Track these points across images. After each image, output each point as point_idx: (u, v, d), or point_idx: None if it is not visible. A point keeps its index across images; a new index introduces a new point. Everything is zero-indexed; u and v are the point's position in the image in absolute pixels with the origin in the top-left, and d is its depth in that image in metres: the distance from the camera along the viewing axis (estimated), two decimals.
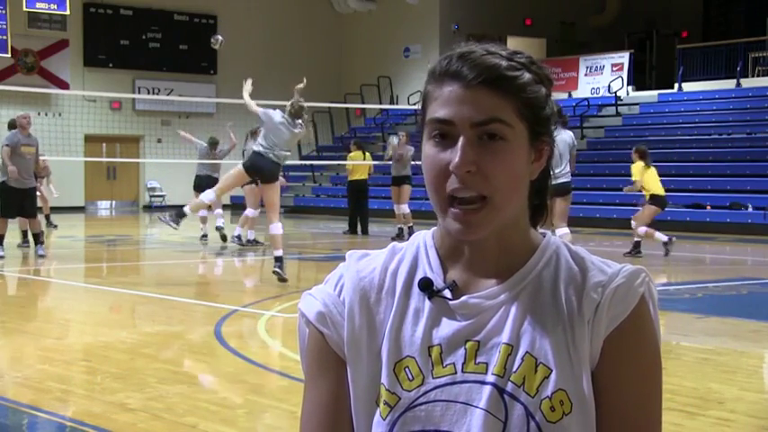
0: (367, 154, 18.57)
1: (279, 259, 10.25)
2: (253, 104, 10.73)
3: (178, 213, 10.31)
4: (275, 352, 6.90)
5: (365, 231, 18.07)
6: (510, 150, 1.26)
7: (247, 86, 10.97)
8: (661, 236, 13.44)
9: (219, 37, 14.38)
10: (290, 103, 10.63)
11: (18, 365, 6.56)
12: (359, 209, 18.22)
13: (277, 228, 10.34)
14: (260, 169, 10.36)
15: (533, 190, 1.33)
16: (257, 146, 10.46)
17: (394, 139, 16.81)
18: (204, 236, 15.93)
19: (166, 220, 10.32)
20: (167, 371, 6.15)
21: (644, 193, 13.38)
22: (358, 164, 18.04)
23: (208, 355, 6.89)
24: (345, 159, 19.34)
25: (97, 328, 8.04)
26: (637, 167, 13.15)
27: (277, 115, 10.46)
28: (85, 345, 7.28)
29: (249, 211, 14.98)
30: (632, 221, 13.73)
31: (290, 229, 20.63)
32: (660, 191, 13.35)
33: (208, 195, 10.61)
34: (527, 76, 1.28)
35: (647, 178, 13.07)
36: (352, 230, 18.13)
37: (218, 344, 7.19)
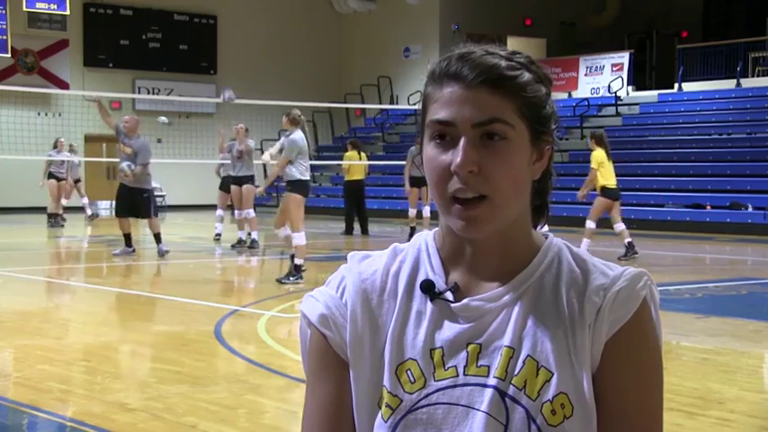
0: (363, 154, 18.48)
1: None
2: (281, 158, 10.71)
3: (295, 268, 10.33)
4: (275, 352, 6.90)
5: (365, 232, 18.03)
6: (512, 150, 1.26)
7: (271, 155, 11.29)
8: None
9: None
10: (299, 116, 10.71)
11: (18, 365, 6.56)
12: (357, 209, 18.16)
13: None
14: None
15: (534, 190, 1.33)
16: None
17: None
18: (218, 235, 15.93)
19: (291, 282, 10.24)
20: (167, 371, 6.15)
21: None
22: (354, 164, 17.99)
23: (208, 355, 6.89)
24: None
25: (97, 328, 8.04)
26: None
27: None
28: (85, 345, 7.28)
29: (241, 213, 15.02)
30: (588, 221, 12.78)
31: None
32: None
33: (301, 238, 10.51)
34: (527, 75, 1.28)
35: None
36: (349, 231, 18.08)
37: (218, 344, 7.19)
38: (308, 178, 10.46)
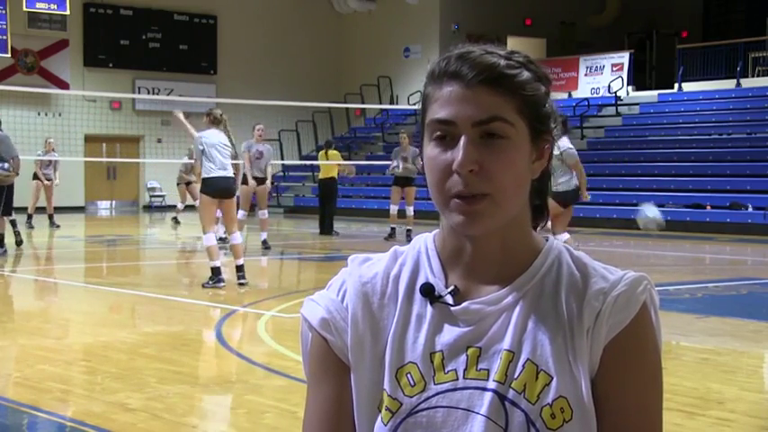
0: (330, 153, 18.38)
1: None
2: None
3: (214, 272, 10.18)
4: (275, 352, 6.90)
5: (329, 231, 17.96)
6: (512, 149, 1.26)
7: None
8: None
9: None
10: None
11: (18, 365, 6.56)
12: (326, 207, 18.17)
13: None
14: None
15: (534, 190, 1.33)
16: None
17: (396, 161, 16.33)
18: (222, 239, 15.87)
19: (210, 285, 10.12)
20: (167, 371, 6.15)
21: None
22: (325, 163, 18.08)
23: (208, 355, 6.89)
24: (345, 159, 19.31)
25: (97, 328, 8.04)
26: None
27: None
28: (85, 345, 7.28)
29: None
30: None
31: (290, 228, 20.64)
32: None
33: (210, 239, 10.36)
34: (526, 74, 1.28)
35: None
36: (323, 231, 18.07)
37: (219, 344, 7.19)
38: (215, 175, 10.13)
